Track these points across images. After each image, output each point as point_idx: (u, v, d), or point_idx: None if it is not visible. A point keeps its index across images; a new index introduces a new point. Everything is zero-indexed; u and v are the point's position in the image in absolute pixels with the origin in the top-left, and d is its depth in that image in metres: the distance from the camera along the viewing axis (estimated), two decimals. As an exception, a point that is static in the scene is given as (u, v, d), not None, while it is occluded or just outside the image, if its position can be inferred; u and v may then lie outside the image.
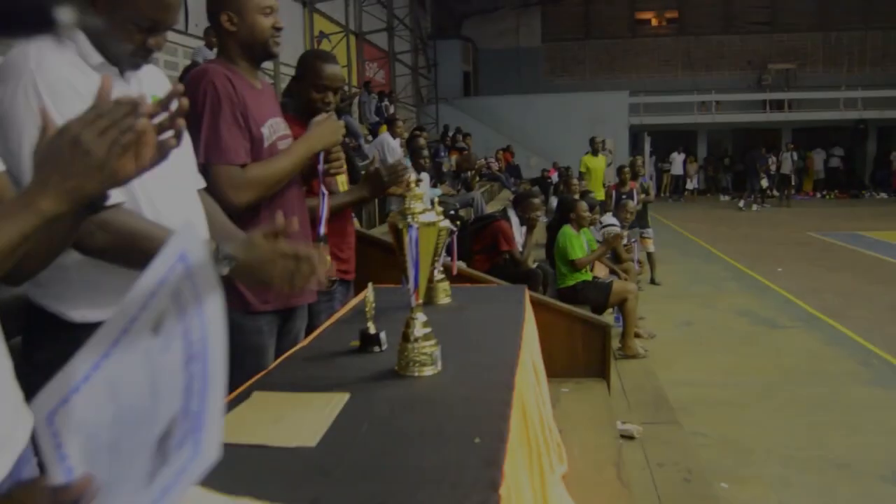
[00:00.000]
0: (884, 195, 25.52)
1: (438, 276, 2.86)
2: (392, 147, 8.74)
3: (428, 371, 1.92)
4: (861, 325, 7.75)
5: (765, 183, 22.03)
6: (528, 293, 3.06)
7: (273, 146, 2.46)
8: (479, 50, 29.45)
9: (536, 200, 6.45)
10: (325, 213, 2.73)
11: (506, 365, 1.97)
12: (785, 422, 5.15)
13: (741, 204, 21.82)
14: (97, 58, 1.67)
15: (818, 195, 25.78)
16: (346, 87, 13.49)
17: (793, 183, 23.24)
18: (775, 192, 22.61)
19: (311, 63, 2.94)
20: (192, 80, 2.34)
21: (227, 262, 1.45)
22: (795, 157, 23.70)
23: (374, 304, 2.21)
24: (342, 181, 3.24)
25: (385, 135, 9.42)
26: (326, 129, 2.59)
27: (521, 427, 1.77)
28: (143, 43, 1.69)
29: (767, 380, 6.12)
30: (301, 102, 2.98)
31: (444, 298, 2.86)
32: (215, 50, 2.70)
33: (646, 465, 3.91)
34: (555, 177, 16.51)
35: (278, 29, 2.45)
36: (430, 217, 1.90)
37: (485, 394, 1.76)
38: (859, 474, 4.34)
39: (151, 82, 1.84)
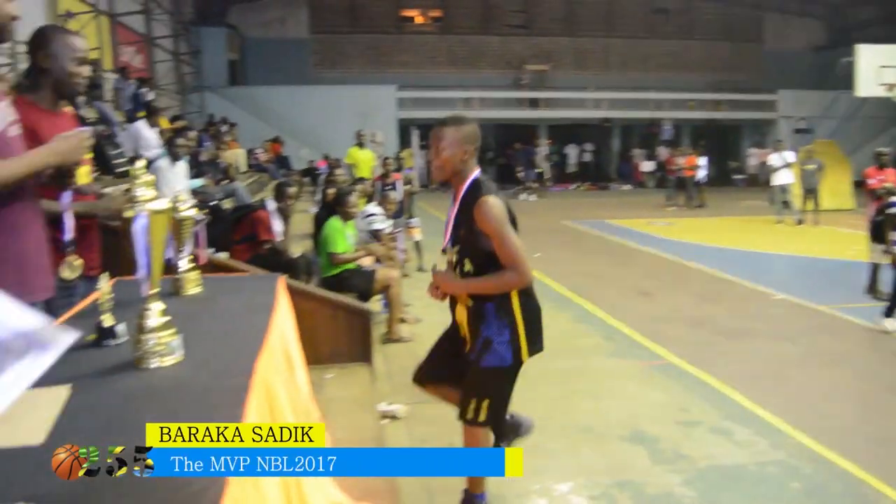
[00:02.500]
0: (628, 187, 28.13)
1: (187, 265, 2.76)
2: (146, 137, 8.25)
3: (167, 361, 1.85)
4: (606, 304, 8.49)
5: (536, 173, 23.59)
6: (282, 281, 3.03)
7: (5, 134, 2.28)
8: (245, 39, 28.61)
9: (290, 189, 6.42)
10: (69, 222, 2.59)
11: (249, 351, 1.94)
12: (538, 394, 5.49)
13: (530, 197, 23.11)
14: None
15: (571, 186, 27.83)
16: (95, 71, 12.53)
17: (547, 175, 24.90)
18: (534, 184, 24.12)
19: (60, 37, 2.77)
20: None
21: None
22: (548, 152, 25.40)
23: (110, 296, 2.08)
24: (83, 173, 3.03)
25: (140, 123, 8.86)
26: (70, 146, 2.45)
27: (264, 411, 1.75)
28: None
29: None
30: (52, 81, 2.76)
31: (194, 288, 2.77)
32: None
33: (409, 441, 4.03)
34: (324, 168, 16.48)
35: (14, 18, 2.36)
36: (161, 204, 1.83)
37: (224, 380, 1.73)
38: (601, 436, 4.76)
39: None
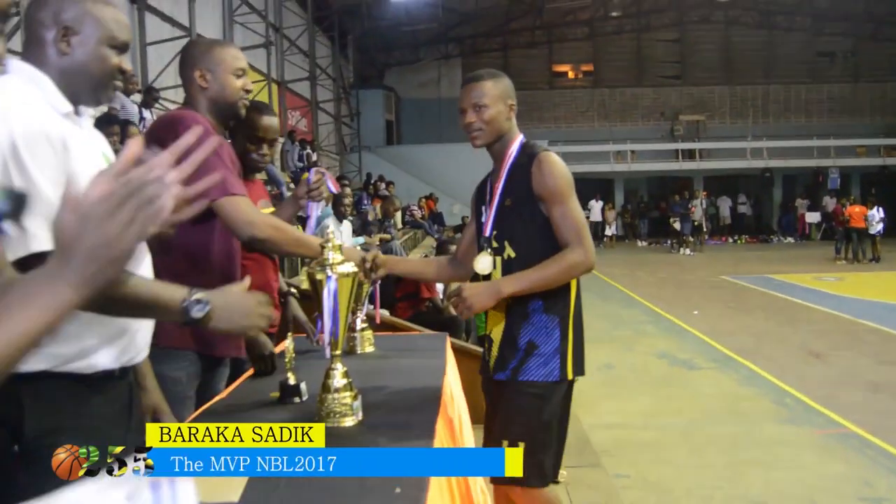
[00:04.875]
0: (791, 240, 26.74)
1: (362, 325, 2.86)
2: (314, 196, 8.68)
3: (348, 421, 1.91)
4: (774, 365, 8.02)
5: (689, 227, 22.92)
6: (449, 341, 3.08)
7: None
8: (401, 99, 29.79)
9: (452, 247, 6.51)
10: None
11: (426, 413, 1.98)
12: (704, 461, 5.26)
13: (687, 251, 22.50)
14: (66, 106, 1.59)
15: (729, 240, 26.78)
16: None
17: (705, 229, 24.09)
18: (690, 238, 23.41)
19: (246, 115, 2.80)
20: (176, 121, 2.28)
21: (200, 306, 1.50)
22: (705, 205, 24.60)
23: (293, 355, 2.18)
24: None
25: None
26: None
27: (442, 474, 1.77)
28: (114, 68, 1.66)
29: (686, 420, 6.25)
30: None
31: (367, 347, 2.86)
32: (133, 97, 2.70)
33: (571, 508, 3.94)
34: (477, 224, 16.69)
35: (247, 91, 2.45)
36: (348, 268, 1.91)
37: (405, 442, 1.76)
38: (775, 510, 4.47)
39: (92, 131, 1.75)
